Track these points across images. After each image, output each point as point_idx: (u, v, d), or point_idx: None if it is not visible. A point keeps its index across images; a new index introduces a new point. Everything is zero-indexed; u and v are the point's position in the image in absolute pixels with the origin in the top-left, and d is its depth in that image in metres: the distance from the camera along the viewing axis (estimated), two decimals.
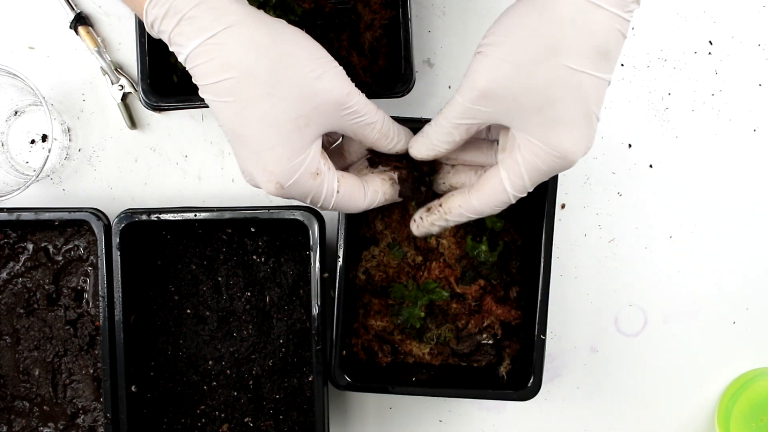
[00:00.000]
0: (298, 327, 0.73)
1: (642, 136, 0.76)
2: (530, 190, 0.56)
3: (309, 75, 0.53)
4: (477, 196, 0.58)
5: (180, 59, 0.53)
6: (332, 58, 0.55)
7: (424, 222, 0.62)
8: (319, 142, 0.56)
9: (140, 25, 0.70)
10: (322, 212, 0.71)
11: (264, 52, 0.52)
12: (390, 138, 0.59)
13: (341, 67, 0.56)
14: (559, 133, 0.53)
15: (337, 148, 0.62)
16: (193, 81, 0.54)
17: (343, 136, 0.60)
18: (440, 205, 0.60)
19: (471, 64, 0.54)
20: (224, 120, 0.54)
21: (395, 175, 0.61)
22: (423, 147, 0.59)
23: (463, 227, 0.72)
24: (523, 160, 0.54)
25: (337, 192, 0.57)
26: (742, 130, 0.76)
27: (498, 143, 0.58)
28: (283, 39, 0.53)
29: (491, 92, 0.53)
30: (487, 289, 0.72)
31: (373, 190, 0.60)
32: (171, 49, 0.54)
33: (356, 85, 0.70)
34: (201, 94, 0.54)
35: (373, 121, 0.57)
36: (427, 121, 0.68)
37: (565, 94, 0.52)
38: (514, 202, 0.57)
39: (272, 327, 0.74)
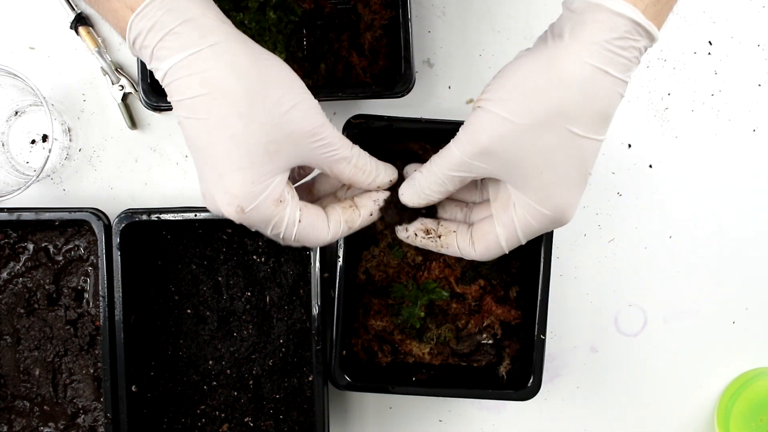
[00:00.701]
0: (298, 327, 0.74)
1: (642, 136, 0.76)
2: (521, 243, 0.57)
3: (285, 102, 0.53)
4: (476, 246, 0.58)
5: (158, 75, 0.53)
6: (308, 91, 0.55)
7: (417, 239, 0.61)
8: (287, 173, 0.55)
9: None
10: None
11: (244, 73, 0.52)
12: (367, 173, 0.58)
13: (316, 101, 0.55)
14: (556, 195, 0.53)
15: (305, 184, 0.61)
16: (169, 98, 0.53)
17: (316, 173, 0.60)
18: (439, 237, 0.60)
19: (471, 118, 0.54)
20: (194, 138, 0.53)
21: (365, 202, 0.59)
22: (414, 195, 0.58)
23: None
24: (518, 219, 0.55)
25: (299, 221, 0.55)
26: (741, 130, 0.76)
27: (487, 185, 0.59)
28: (264, 64, 0.53)
29: (492, 150, 0.53)
30: (487, 289, 0.72)
31: (335, 221, 0.58)
32: (150, 66, 0.53)
33: (356, 85, 0.70)
34: (175, 111, 0.53)
35: (347, 155, 0.56)
36: (427, 121, 0.68)
37: (566, 158, 0.52)
38: (499, 253, 0.58)
39: (272, 327, 0.74)
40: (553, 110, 0.51)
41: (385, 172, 0.59)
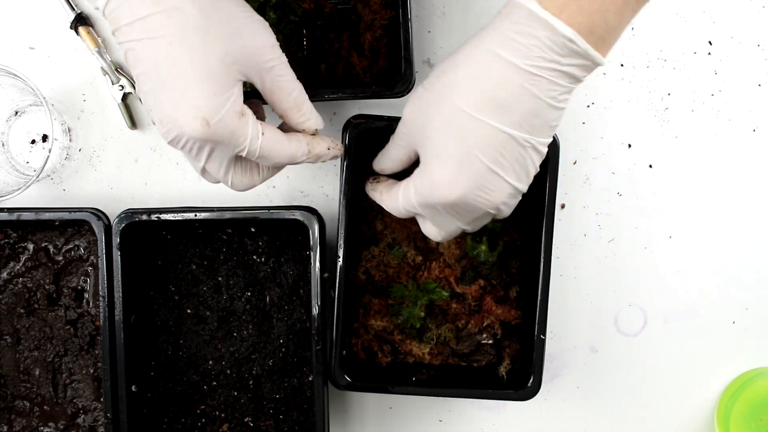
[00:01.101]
0: (298, 327, 0.73)
1: (642, 136, 0.76)
2: (419, 211, 0.59)
3: (238, 16, 0.55)
4: (385, 196, 0.63)
5: (100, 2, 0.53)
6: (257, 13, 0.58)
7: (368, 189, 0.66)
8: (241, 86, 0.56)
9: None
10: (322, 213, 0.71)
11: None
12: (302, 112, 0.60)
13: (267, 23, 0.58)
14: (432, 167, 0.56)
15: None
16: (114, 26, 0.54)
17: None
18: (380, 189, 0.64)
19: None
20: (150, 59, 0.53)
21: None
22: (378, 162, 0.64)
23: None
24: (411, 182, 0.58)
25: (262, 134, 0.57)
26: (741, 130, 0.76)
27: None
28: None
29: (408, 120, 0.58)
30: (487, 289, 0.72)
31: (296, 140, 0.60)
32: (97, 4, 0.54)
33: (356, 85, 0.70)
34: (125, 36, 0.53)
35: (290, 87, 0.59)
36: None
37: (451, 135, 0.54)
38: (404, 213, 0.61)
39: (272, 327, 0.74)
40: (447, 85, 0.54)
41: (316, 120, 0.62)
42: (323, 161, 0.63)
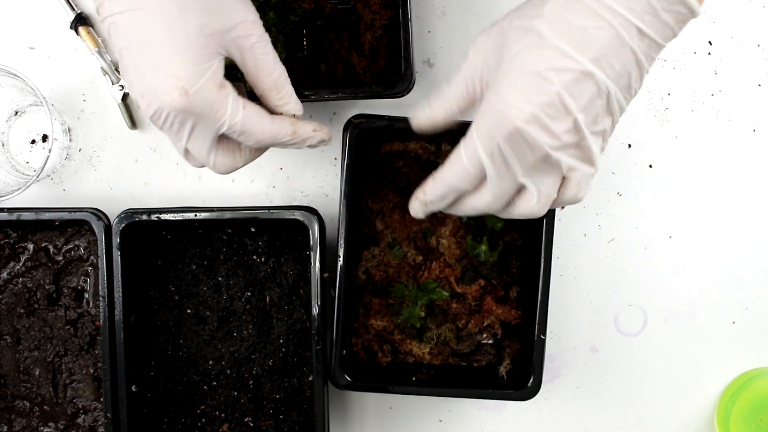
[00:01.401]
0: (298, 327, 0.73)
1: (642, 136, 0.76)
2: (487, 161, 0.54)
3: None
4: (442, 169, 0.57)
5: None
6: None
7: (414, 205, 0.61)
8: (222, 61, 0.56)
9: None
10: (322, 213, 0.71)
11: None
12: (281, 95, 0.59)
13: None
14: (501, 88, 0.52)
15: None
16: (98, 3, 0.54)
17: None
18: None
19: None
20: (131, 30, 0.53)
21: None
22: (429, 107, 0.59)
23: (464, 227, 0.72)
24: (475, 123, 0.54)
25: (243, 108, 0.57)
26: (741, 130, 0.76)
27: None
28: None
29: (478, 46, 0.56)
30: (487, 288, 0.72)
31: (279, 120, 0.59)
32: None
33: (356, 85, 0.70)
34: (107, 10, 0.54)
35: (271, 67, 0.58)
36: None
37: (524, 56, 0.52)
38: (472, 171, 0.55)
39: (272, 327, 0.74)
40: (531, 17, 0.52)
41: (295, 105, 0.60)
42: (311, 146, 0.61)
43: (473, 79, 0.56)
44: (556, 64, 0.51)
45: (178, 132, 0.56)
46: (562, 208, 0.73)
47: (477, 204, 0.57)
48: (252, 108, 0.57)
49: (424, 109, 0.59)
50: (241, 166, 0.61)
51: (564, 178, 0.56)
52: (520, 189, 0.56)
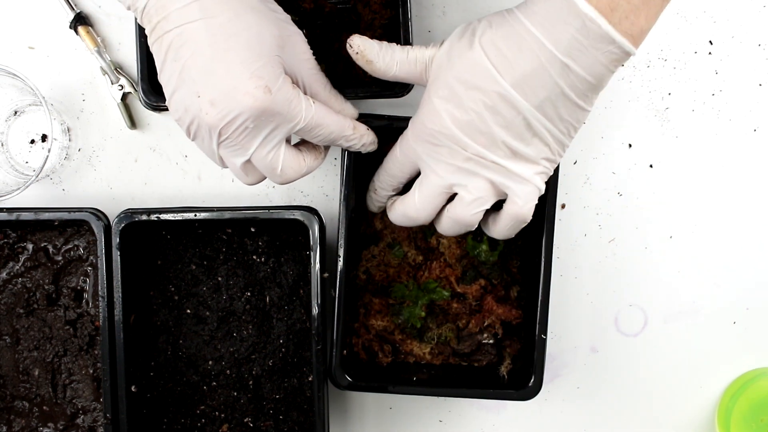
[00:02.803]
0: (298, 327, 0.73)
1: (642, 136, 0.76)
2: (414, 151, 0.61)
3: (276, 8, 0.59)
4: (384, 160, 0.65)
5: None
6: None
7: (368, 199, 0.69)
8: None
9: (140, 26, 0.69)
10: (322, 213, 0.71)
11: None
12: (339, 99, 0.63)
13: None
14: (430, 93, 0.60)
15: None
16: (160, 17, 0.54)
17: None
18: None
19: None
20: (204, 40, 0.54)
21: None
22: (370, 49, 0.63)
23: None
24: (411, 121, 0.62)
25: (314, 103, 0.59)
26: (742, 130, 0.76)
27: None
28: None
29: (436, 57, 0.62)
30: (487, 288, 0.72)
31: (342, 116, 0.62)
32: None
33: (356, 85, 0.70)
34: (174, 22, 0.54)
35: (324, 78, 0.62)
36: None
37: (458, 58, 0.58)
38: (401, 158, 0.63)
39: (272, 327, 0.74)
40: (473, 36, 0.57)
41: (352, 109, 0.65)
42: (365, 145, 0.64)
43: (423, 61, 0.61)
44: (480, 83, 0.55)
45: (251, 138, 0.57)
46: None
47: (406, 204, 0.63)
48: (318, 103, 0.60)
49: (373, 46, 0.62)
50: (305, 173, 0.62)
51: (505, 199, 0.60)
52: (446, 194, 0.61)
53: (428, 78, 0.60)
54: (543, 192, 0.60)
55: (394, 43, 0.62)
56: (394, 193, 0.66)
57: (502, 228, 0.62)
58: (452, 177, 0.59)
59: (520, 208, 0.59)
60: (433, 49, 0.60)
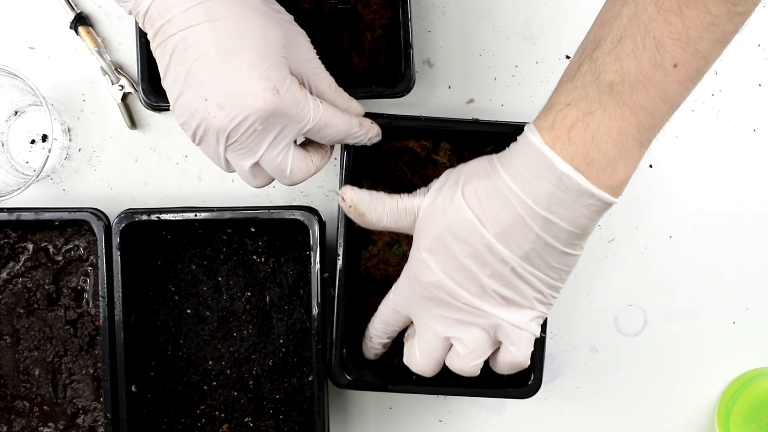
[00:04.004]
0: (298, 327, 0.73)
1: None
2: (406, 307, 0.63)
3: (280, 9, 0.59)
4: (377, 312, 0.67)
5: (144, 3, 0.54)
6: None
7: (364, 349, 0.70)
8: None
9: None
10: (322, 213, 0.71)
11: None
12: (344, 97, 0.63)
13: None
14: (419, 243, 0.61)
15: None
16: (163, 21, 0.54)
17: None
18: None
19: None
20: (210, 43, 0.53)
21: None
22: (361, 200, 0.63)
23: None
24: (402, 274, 0.64)
25: (321, 103, 0.59)
26: (742, 130, 0.76)
27: None
28: None
29: (423, 208, 0.63)
30: None
31: (348, 114, 0.62)
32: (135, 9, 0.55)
33: (356, 85, 0.70)
34: (178, 25, 0.54)
35: (328, 77, 0.61)
36: (427, 119, 0.69)
37: (444, 207, 0.59)
38: (399, 313, 0.64)
39: (272, 327, 0.74)
40: (457, 185, 0.59)
41: (358, 106, 0.64)
42: (371, 138, 0.64)
43: (412, 211, 0.61)
44: (466, 235, 0.55)
45: (260, 140, 0.57)
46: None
47: (411, 361, 0.64)
48: (326, 103, 0.59)
49: (364, 198, 0.62)
50: (313, 173, 0.62)
51: (501, 344, 0.60)
52: (445, 347, 0.62)
53: (415, 229, 0.61)
54: (538, 336, 0.59)
55: (383, 193, 0.62)
56: (389, 340, 0.67)
57: (502, 371, 0.62)
58: (446, 330, 0.59)
59: (515, 357, 0.59)
60: (420, 197, 0.61)
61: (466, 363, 0.60)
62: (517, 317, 0.58)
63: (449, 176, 0.60)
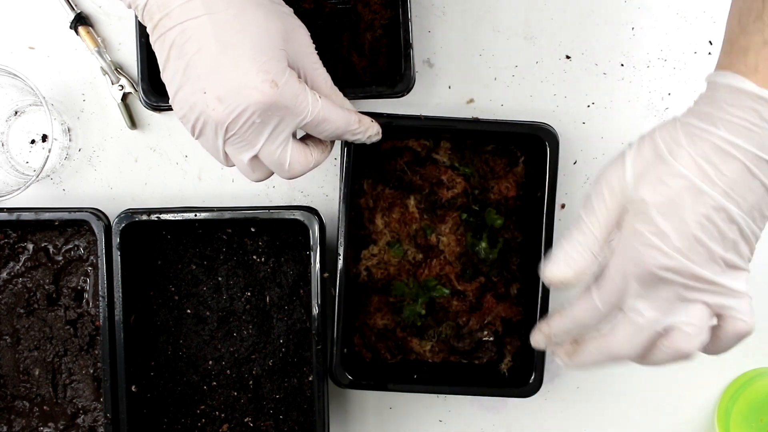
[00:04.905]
0: (298, 327, 0.73)
1: None
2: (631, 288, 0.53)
3: (281, 2, 0.59)
4: (572, 305, 0.56)
5: None
6: None
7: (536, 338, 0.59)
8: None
9: (140, 26, 0.70)
10: (322, 213, 0.71)
11: None
12: (339, 95, 0.62)
13: None
14: (637, 227, 0.53)
15: None
16: (162, 14, 0.54)
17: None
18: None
19: None
20: (209, 35, 0.54)
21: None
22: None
23: (464, 224, 0.72)
24: (611, 262, 0.54)
25: (320, 98, 0.59)
26: None
27: None
28: None
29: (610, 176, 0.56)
30: (487, 286, 0.72)
31: (346, 110, 0.62)
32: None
33: (356, 85, 0.70)
34: (177, 18, 0.54)
35: (325, 74, 0.61)
36: (427, 118, 0.69)
37: (663, 194, 0.52)
38: (603, 310, 0.55)
39: (272, 327, 0.74)
40: (667, 154, 0.53)
41: (350, 105, 0.64)
42: (370, 137, 0.64)
43: (613, 207, 0.54)
44: (690, 202, 0.50)
45: (258, 133, 0.57)
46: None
47: (612, 345, 0.55)
48: (324, 98, 0.59)
49: (558, 262, 0.55)
50: (312, 167, 0.61)
51: (719, 316, 0.54)
52: (659, 331, 0.54)
53: (624, 218, 0.53)
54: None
55: (571, 234, 0.55)
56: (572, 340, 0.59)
57: (725, 347, 0.55)
58: (668, 315, 0.53)
59: (748, 325, 0.54)
60: (613, 199, 0.54)
61: (693, 343, 0.53)
62: (738, 283, 0.53)
63: (640, 154, 0.54)
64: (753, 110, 0.49)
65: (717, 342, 0.55)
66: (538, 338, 0.59)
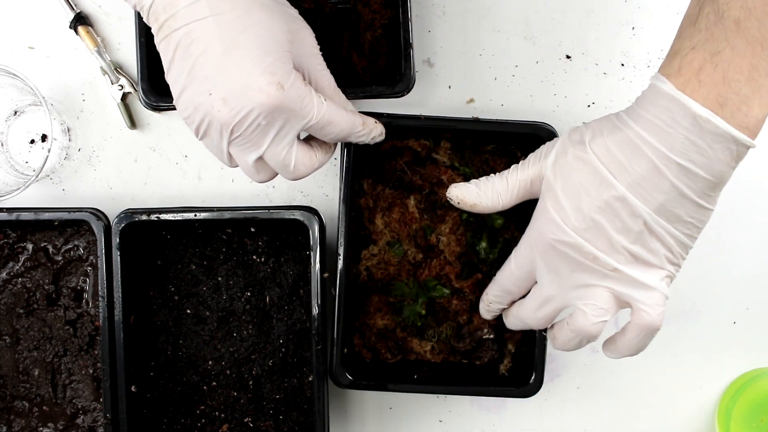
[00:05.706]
0: (298, 327, 0.73)
1: None
2: (524, 269, 0.61)
3: (285, 3, 0.59)
4: (498, 272, 0.65)
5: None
6: None
7: (481, 307, 0.68)
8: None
9: (140, 25, 0.70)
10: (322, 213, 0.71)
11: None
12: (342, 97, 0.63)
13: None
14: (545, 204, 0.59)
15: None
16: (167, 15, 0.54)
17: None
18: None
19: None
20: (214, 37, 0.53)
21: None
22: (466, 193, 0.65)
23: (464, 224, 0.72)
24: (525, 233, 0.62)
25: (325, 100, 0.59)
26: None
27: None
28: None
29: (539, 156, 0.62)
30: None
31: (351, 112, 0.62)
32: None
33: (356, 85, 0.70)
34: (182, 19, 0.53)
35: (329, 75, 0.62)
36: (427, 118, 0.69)
37: (572, 180, 0.58)
38: (517, 273, 0.62)
39: (272, 327, 0.74)
40: (582, 143, 0.57)
41: (353, 107, 0.64)
42: (374, 138, 0.65)
43: (525, 180, 0.61)
44: (596, 188, 0.54)
45: (263, 135, 0.57)
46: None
47: (524, 314, 0.62)
48: (329, 101, 0.59)
49: (470, 190, 0.63)
50: (316, 168, 0.61)
51: (632, 312, 0.57)
52: (561, 309, 0.60)
53: (541, 191, 0.59)
54: (669, 297, 0.57)
55: (491, 176, 0.63)
56: (508, 306, 0.65)
57: (631, 340, 0.58)
58: (572, 290, 0.57)
59: (652, 318, 0.56)
60: (534, 166, 0.60)
61: (591, 321, 0.57)
62: (648, 277, 0.55)
63: (570, 137, 0.58)
64: (667, 110, 0.52)
65: (624, 333, 0.58)
66: (481, 307, 0.68)
